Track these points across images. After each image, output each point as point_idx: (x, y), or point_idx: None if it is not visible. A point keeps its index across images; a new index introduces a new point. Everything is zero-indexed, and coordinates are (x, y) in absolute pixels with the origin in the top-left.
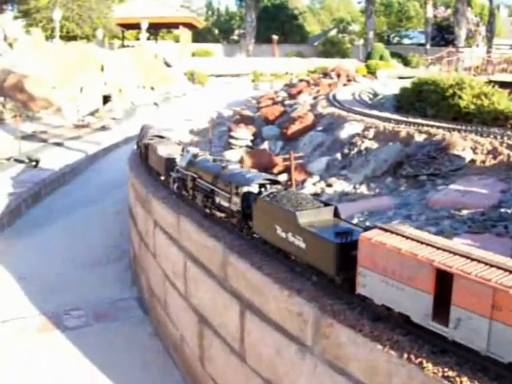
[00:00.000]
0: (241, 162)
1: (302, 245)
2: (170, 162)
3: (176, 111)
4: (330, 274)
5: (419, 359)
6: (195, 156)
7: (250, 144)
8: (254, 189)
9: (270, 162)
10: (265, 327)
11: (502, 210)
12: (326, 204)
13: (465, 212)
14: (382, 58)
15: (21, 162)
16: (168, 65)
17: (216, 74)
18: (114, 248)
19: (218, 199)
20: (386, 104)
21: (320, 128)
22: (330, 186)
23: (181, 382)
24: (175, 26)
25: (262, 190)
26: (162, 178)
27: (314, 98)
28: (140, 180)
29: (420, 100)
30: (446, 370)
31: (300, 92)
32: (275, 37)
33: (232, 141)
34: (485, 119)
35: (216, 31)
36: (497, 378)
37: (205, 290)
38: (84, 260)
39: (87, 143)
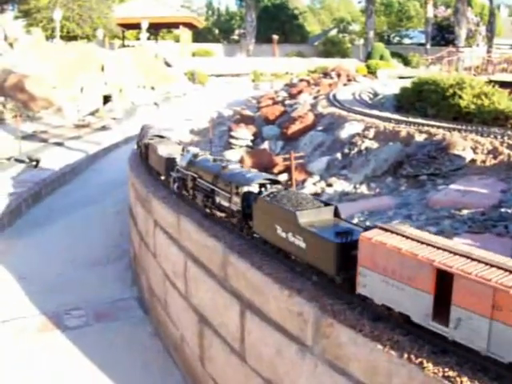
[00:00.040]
0: (241, 161)
1: (303, 244)
2: (170, 162)
3: (176, 111)
4: (330, 274)
5: (419, 359)
6: (195, 156)
7: (251, 144)
8: (255, 188)
9: (271, 162)
10: (265, 327)
11: (503, 209)
12: (326, 204)
13: (465, 212)
14: (382, 57)
15: (21, 161)
16: (168, 65)
17: (216, 73)
18: (115, 248)
19: (218, 199)
20: (387, 104)
21: (320, 128)
22: (330, 185)
23: (181, 381)
24: (175, 25)
25: (263, 189)
26: (162, 177)
27: (315, 97)
28: (140, 180)
29: (420, 100)
30: (446, 369)
31: (300, 92)
32: (275, 37)
33: (232, 140)
34: (485, 119)
35: (216, 31)
36: (497, 378)
37: (205, 289)
38: (84, 260)
39: (87, 143)
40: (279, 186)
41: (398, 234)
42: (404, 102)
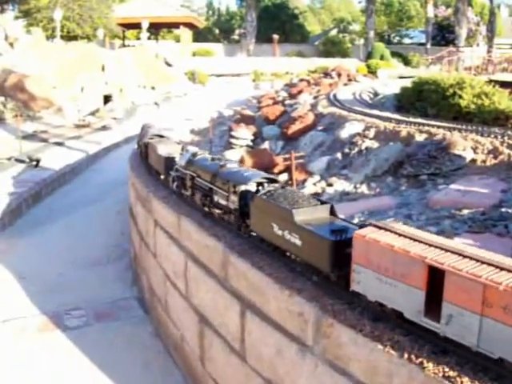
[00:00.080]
0: (241, 161)
1: (298, 242)
2: (169, 161)
3: (177, 111)
4: (325, 271)
5: (420, 359)
6: (194, 155)
7: (251, 144)
8: (252, 187)
9: (271, 162)
10: (265, 327)
11: (503, 209)
12: (323, 202)
13: (465, 212)
14: (382, 57)
15: (21, 161)
16: (169, 64)
17: (217, 73)
18: (115, 247)
19: (216, 198)
20: (387, 103)
21: (320, 128)
22: (330, 185)
23: (181, 381)
24: (176, 25)
25: (260, 188)
26: (162, 177)
27: (315, 97)
28: (141, 180)
29: (420, 99)
30: (446, 370)
31: (300, 92)
32: (276, 36)
33: (233, 140)
34: (485, 119)
35: (216, 31)
36: (497, 378)
37: (205, 289)
38: (84, 259)
39: (88, 143)
40: (276, 185)
41: (391, 231)
42: (404, 101)
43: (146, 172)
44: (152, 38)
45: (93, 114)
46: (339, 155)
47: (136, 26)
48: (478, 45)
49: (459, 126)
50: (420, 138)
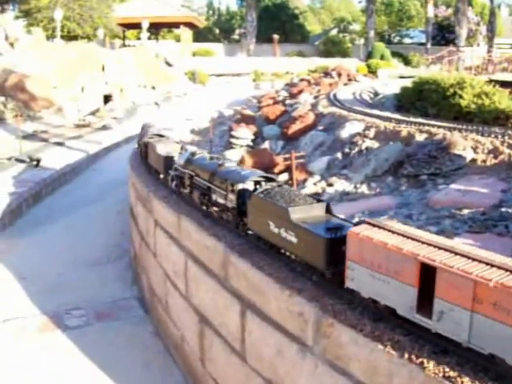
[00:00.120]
0: (242, 161)
1: (294, 240)
2: (168, 161)
3: (177, 111)
4: (320, 268)
5: (420, 359)
6: (193, 154)
7: (251, 143)
8: (249, 186)
9: (271, 162)
10: (265, 327)
11: (503, 209)
12: (319, 200)
13: (465, 211)
14: (382, 57)
15: (22, 161)
16: (169, 64)
17: (217, 73)
18: (115, 247)
19: (214, 196)
20: (387, 103)
21: (321, 127)
22: (330, 185)
23: (181, 381)
24: (176, 25)
25: (257, 187)
26: (161, 176)
27: (315, 97)
28: (141, 180)
29: (421, 99)
30: (447, 370)
31: (301, 91)
32: (276, 36)
33: (233, 140)
34: (486, 118)
35: (217, 31)
36: (498, 379)
37: (205, 289)
38: (85, 259)
39: (88, 143)
40: (273, 183)
41: (384, 229)
42: (404, 101)
43: (146, 172)
44: (152, 37)
45: (93, 113)
46: (339, 155)
47: (136, 25)
48: (478, 45)
49: (459, 126)
50: (420, 137)
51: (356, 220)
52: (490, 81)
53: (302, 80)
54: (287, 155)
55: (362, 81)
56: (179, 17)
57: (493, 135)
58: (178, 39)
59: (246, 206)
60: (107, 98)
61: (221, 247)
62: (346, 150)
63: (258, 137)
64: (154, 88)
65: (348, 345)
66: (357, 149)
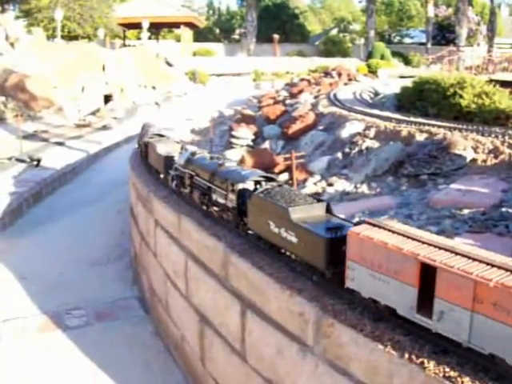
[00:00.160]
0: (242, 161)
1: (294, 240)
2: (168, 160)
3: (177, 110)
4: (320, 268)
5: (420, 359)
6: (193, 154)
7: (251, 143)
8: (250, 186)
9: (272, 162)
10: (266, 327)
11: (503, 209)
12: (319, 200)
13: (466, 211)
14: (382, 57)
15: (22, 161)
16: (169, 64)
17: (217, 73)
18: (115, 247)
19: (214, 196)
20: (387, 103)
21: (321, 127)
22: (331, 185)
23: (182, 381)
24: (176, 25)
25: (257, 186)
26: (162, 175)
27: (315, 97)
28: (141, 179)
29: (421, 99)
30: (447, 370)
31: (301, 91)
32: (276, 36)
33: (233, 140)
34: (486, 118)
35: (217, 30)
36: (498, 379)
37: (206, 289)
38: (85, 259)
39: (88, 142)
40: (273, 183)
41: (385, 228)
42: (405, 101)
43: (146, 172)
44: (152, 37)
45: (93, 113)
46: (340, 155)
47: (137, 25)
48: (478, 44)
49: (460, 126)
50: (420, 137)
51: (356, 220)
52: (491, 80)
53: (302, 80)
54: (287, 155)
55: (363, 81)
56: (179, 17)
57: (493, 135)
58: (178, 39)
59: (246, 205)
60: (107, 98)
61: (221, 247)
62: (347, 150)
63: (259, 137)
64: (154, 88)
65: (348, 345)
66: (357, 149)
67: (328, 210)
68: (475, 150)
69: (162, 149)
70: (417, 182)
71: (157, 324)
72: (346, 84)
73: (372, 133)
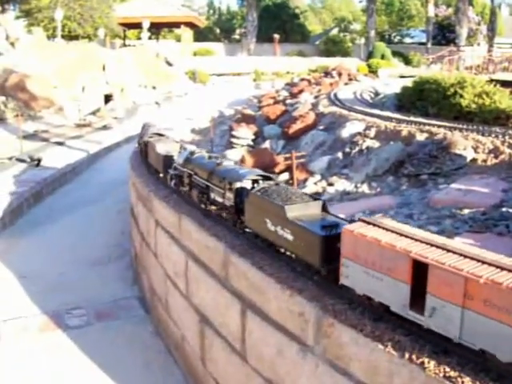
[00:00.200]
0: (242, 161)
1: (290, 237)
2: (167, 160)
3: (177, 110)
4: (315, 266)
5: (421, 359)
6: (192, 153)
7: (252, 143)
8: (247, 184)
9: (272, 161)
10: (266, 327)
11: (504, 209)
12: (315, 199)
13: (466, 211)
14: (383, 56)
15: (22, 161)
16: (169, 64)
17: (217, 73)
18: (116, 247)
19: (212, 195)
20: (388, 103)
21: (321, 127)
22: (331, 185)
23: (182, 381)
24: (176, 25)
25: (255, 185)
26: (161, 175)
27: (316, 97)
28: (141, 179)
29: (421, 99)
30: (447, 370)
31: (301, 91)
32: (276, 36)
33: (233, 140)
34: (486, 118)
35: (217, 30)
36: (498, 379)
37: (206, 289)
38: (85, 259)
39: (89, 142)
40: (271, 182)
41: (379, 226)
42: (405, 101)
43: (146, 171)
44: (153, 37)
45: (94, 113)
46: (340, 155)
47: (137, 25)
48: (478, 44)
49: (460, 126)
50: (421, 137)
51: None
52: (491, 80)
53: (302, 80)
54: (288, 155)
55: (363, 80)
56: (180, 16)
57: (493, 135)
58: (178, 39)
59: (244, 204)
60: (108, 98)
61: (221, 247)
62: (347, 150)
63: (259, 136)
64: (154, 88)
65: (348, 345)
66: (357, 148)
67: (324, 209)
68: (475, 149)
69: (162, 148)
70: (417, 181)
71: (157, 324)
72: (346, 84)
73: (372, 132)
